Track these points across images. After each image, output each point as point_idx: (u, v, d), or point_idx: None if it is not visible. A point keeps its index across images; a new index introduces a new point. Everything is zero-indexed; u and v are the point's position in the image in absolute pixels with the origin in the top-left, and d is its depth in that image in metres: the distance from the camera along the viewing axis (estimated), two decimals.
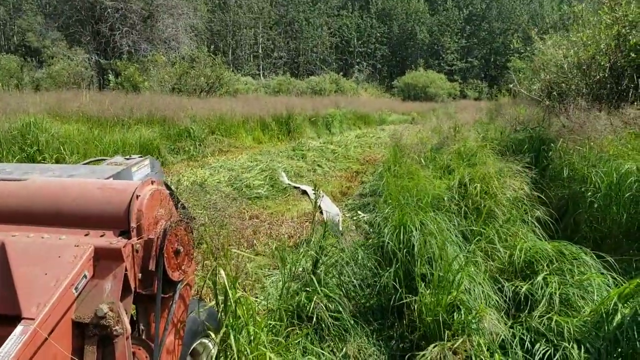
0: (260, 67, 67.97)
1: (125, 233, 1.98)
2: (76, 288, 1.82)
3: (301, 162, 11.78)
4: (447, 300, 3.17)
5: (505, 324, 3.21)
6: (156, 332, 2.05)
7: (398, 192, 4.77)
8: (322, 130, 21.05)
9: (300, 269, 4.34)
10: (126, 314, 1.91)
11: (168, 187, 3.08)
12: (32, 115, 9.79)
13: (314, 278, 3.59)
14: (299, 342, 3.43)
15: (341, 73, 54.61)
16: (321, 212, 7.28)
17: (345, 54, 75.89)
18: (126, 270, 1.91)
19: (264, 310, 3.67)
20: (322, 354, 3.31)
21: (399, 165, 6.83)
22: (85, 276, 1.86)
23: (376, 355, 3.44)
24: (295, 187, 9.07)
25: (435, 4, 78.94)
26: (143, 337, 2.08)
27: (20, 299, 1.71)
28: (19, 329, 1.64)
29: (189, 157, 12.24)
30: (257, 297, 4.03)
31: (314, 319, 3.57)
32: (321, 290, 3.59)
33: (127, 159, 2.91)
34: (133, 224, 1.97)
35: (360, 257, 4.25)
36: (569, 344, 2.80)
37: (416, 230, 3.74)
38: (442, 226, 3.93)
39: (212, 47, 44.30)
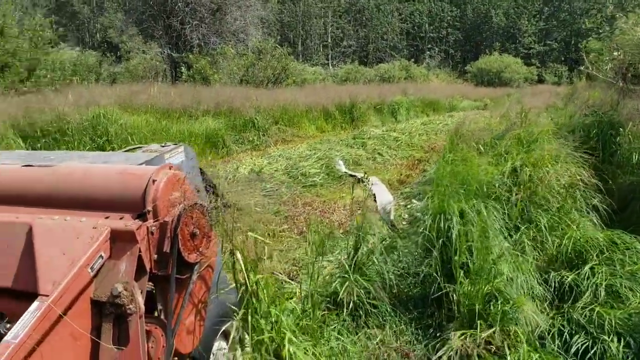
0: (329, 56, 67.99)
1: (142, 216, 2.06)
2: (92, 268, 1.91)
3: (361, 151, 11.72)
4: (483, 289, 3.07)
5: (547, 315, 3.07)
6: (169, 312, 2.13)
7: (446, 179, 4.65)
8: (388, 118, 20.82)
9: (345, 256, 4.35)
10: (141, 293, 1.99)
11: (203, 173, 3.17)
12: (103, 108, 10.30)
13: (346, 265, 3.57)
14: (334, 327, 3.44)
15: (412, 60, 53.68)
16: (374, 200, 7.23)
17: (416, 40, 74.46)
18: (140, 251, 1.99)
19: (299, 295, 3.69)
20: (357, 340, 3.31)
21: (455, 152, 6.65)
22: (101, 257, 1.95)
23: (413, 343, 3.39)
24: (351, 175, 9.05)
25: None
26: (161, 317, 2.15)
27: (39, 277, 1.83)
28: (34, 304, 1.75)
29: (253, 146, 12.48)
30: (298, 282, 4.07)
31: (351, 306, 3.57)
32: (354, 277, 3.57)
33: (162, 146, 3.01)
34: (149, 207, 2.05)
35: (399, 246, 4.19)
36: (608, 337, 2.63)
37: (456, 218, 3.63)
38: (484, 214, 3.79)
39: (281, 38, 44.80)
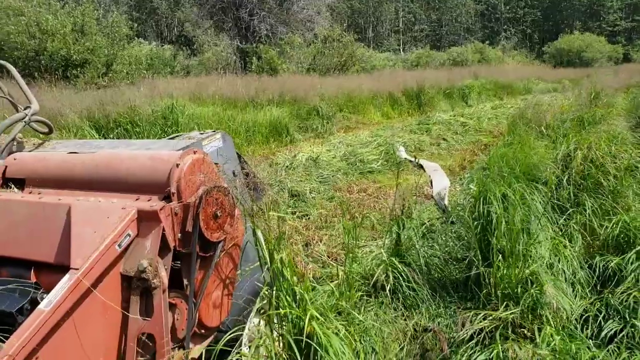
0: (401, 41, 67.04)
1: (167, 197, 2.21)
2: (119, 245, 2.08)
3: (424, 136, 11.59)
4: (516, 273, 3.02)
5: (585, 299, 2.98)
6: (192, 287, 2.27)
7: (496, 163, 4.56)
8: (458, 102, 20.34)
9: (389, 240, 4.38)
10: (165, 269, 2.15)
11: (240, 159, 3.31)
12: (174, 99, 10.79)
13: (382, 249, 3.61)
14: (371, 309, 3.51)
15: (486, 42, 51.95)
16: (431, 186, 7.17)
17: (491, 21, 71.93)
18: (164, 230, 2.14)
19: (334, 277, 3.76)
20: (392, 320, 3.35)
21: (514, 135, 6.46)
22: (129, 235, 2.12)
23: (450, 327, 3.39)
24: (410, 161, 8.98)
25: None
26: (187, 292, 2.30)
27: (72, 252, 2.02)
28: (66, 277, 1.95)
29: (316, 134, 12.62)
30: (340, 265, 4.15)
31: (388, 288, 3.62)
32: (391, 260, 3.60)
33: (201, 134, 3.17)
34: (173, 189, 2.20)
35: (438, 230, 4.18)
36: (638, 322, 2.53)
37: (496, 201, 3.57)
38: (527, 198, 3.70)
39: (351, 25, 44.63)
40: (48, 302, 1.87)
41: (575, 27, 60.71)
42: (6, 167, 2.74)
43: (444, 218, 5.40)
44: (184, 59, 28.58)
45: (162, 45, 30.29)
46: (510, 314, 2.84)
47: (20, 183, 2.69)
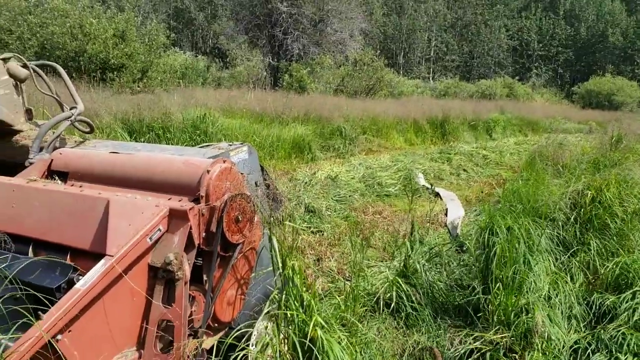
0: (431, 70, 67.38)
1: (196, 199, 2.46)
2: (150, 238, 2.33)
3: (445, 165, 11.75)
4: (512, 302, 3.19)
5: (580, 333, 3.13)
6: (211, 283, 2.49)
7: (508, 197, 4.73)
8: (482, 135, 20.45)
9: (397, 262, 4.57)
10: (188, 263, 2.38)
11: (263, 170, 3.55)
12: (205, 109, 11.16)
13: (386, 269, 3.79)
14: (374, 324, 3.69)
15: (516, 77, 51.97)
16: (446, 214, 7.33)
17: (523, 57, 71.89)
18: (191, 228, 2.38)
19: (342, 292, 3.95)
20: (393, 338, 3.53)
21: (530, 171, 6.62)
22: (159, 230, 2.36)
23: (447, 348, 3.55)
24: (427, 188, 9.15)
25: (633, 4, 71.10)
26: (206, 287, 2.53)
27: (108, 241, 2.27)
28: (101, 262, 2.19)
29: (338, 154, 12.87)
30: (348, 280, 4.34)
31: (392, 306, 3.80)
32: (397, 280, 3.79)
33: (229, 144, 3.42)
34: (202, 193, 2.44)
35: (447, 257, 4.36)
36: (624, 356, 2.68)
37: (502, 233, 3.74)
38: (532, 232, 3.86)
39: (382, 50, 45.08)
40: (84, 283, 2.11)
41: (608, 69, 60.32)
42: (52, 160, 3.03)
43: (454, 246, 5.56)
44: (216, 70, 29.21)
45: (197, 56, 31.01)
46: (501, 337, 3.00)
47: (64, 176, 2.97)
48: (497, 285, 3.42)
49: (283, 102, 14.96)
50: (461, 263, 4.73)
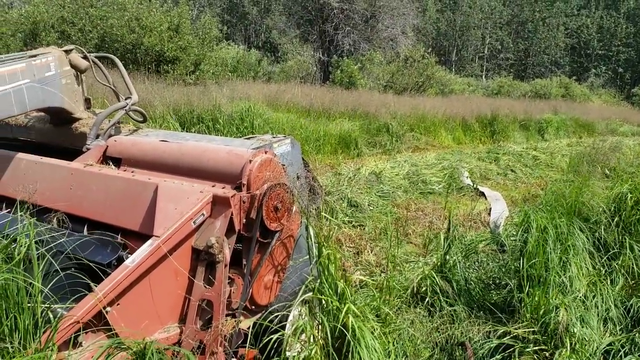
0: (484, 68, 65.97)
1: (238, 187, 2.60)
2: (194, 222, 2.48)
3: (492, 165, 11.58)
4: (544, 301, 3.19)
5: (615, 336, 3.11)
6: (249, 267, 2.63)
7: (549, 198, 4.68)
8: (534, 135, 19.96)
9: (435, 258, 4.61)
10: (229, 247, 2.52)
11: (305, 164, 3.67)
12: (253, 102, 11.40)
13: (421, 263, 3.84)
14: (408, 316, 3.76)
15: (573, 77, 50.23)
16: (489, 214, 7.28)
17: (581, 57, 69.40)
18: (232, 215, 2.52)
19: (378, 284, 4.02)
20: (426, 331, 3.59)
21: (576, 173, 6.48)
22: (203, 214, 2.52)
23: (479, 344, 3.58)
24: (473, 188, 9.07)
25: None
26: (244, 270, 2.67)
27: (155, 223, 2.43)
28: (148, 242, 2.36)
29: (384, 151, 12.87)
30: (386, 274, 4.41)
31: (427, 300, 3.85)
32: (433, 274, 3.84)
33: (273, 137, 3.55)
34: (243, 181, 2.58)
35: (486, 256, 4.37)
36: None
37: (537, 233, 3.73)
38: (567, 233, 3.82)
39: (435, 47, 44.52)
40: (132, 260, 2.28)
41: None
42: (107, 147, 3.24)
43: (493, 244, 5.53)
44: (267, 64, 29.58)
45: (249, 50, 31.48)
46: (530, 333, 3.02)
47: (117, 162, 3.18)
48: (530, 283, 3.43)
49: (330, 97, 15.07)
50: (500, 262, 4.72)
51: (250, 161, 2.62)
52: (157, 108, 9.59)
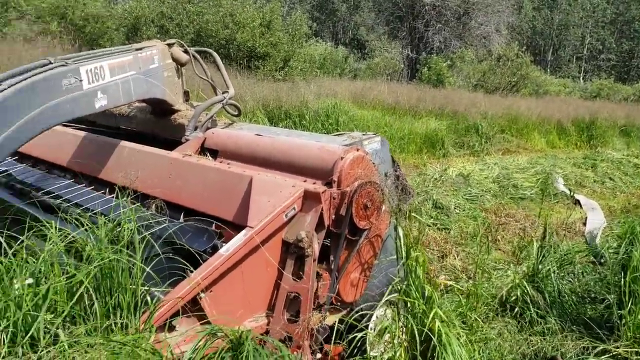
0: (582, 69, 62.41)
1: (329, 184, 2.61)
2: (286, 215, 2.52)
3: (589, 172, 10.92)
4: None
5: None
6: (337, 263, 2.63)
7: None
8: (636, 142, 18.62)
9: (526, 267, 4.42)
10: (318, 242, 2.54)
11: (394, 163, 3.62)
12: (338, 99, 11.45)
13: (512, 273, 3.69)
14: (496, 325, 3.63)
15: None
16: (584, 224, 6.88)
17: None
18: (322, 210, 2.53)
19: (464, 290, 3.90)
20: (515, 342, 3.44)
21: None
22: (294, 208, 2.55)
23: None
24: (567, 195, 8.60)
25: None
26: (332, 266, 2.68)
27: (249, 215, 2.49)
28: (242, 232, 2.41)
29: (472, 152, 12.50)
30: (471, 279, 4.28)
31: (516, 310, 3.70)
32: (524, 284, 3.67)
33: (363, 134, 3.53)
34: (334, 178, 2.59)
35: (581, 268, 4.12)
36: None
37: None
38: None
39: (530, 46, 42.66)
40: (226, 249, 2.34)
41: None
42: (205, 139, 3.36)
43: (592, 257, 5.22)
44: (354, 61, 29.62)
45: (336, 47, 31.66)
46: (634, 352, 2.81)
47: (214, 153, 3.29)
48: (633, 299, 3.19)
49: (417, 95, 14.85)
50: (597, 275, 4.44)
51: (342, 158, 2.62)
52: (247, 103, 9.87)
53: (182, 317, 2.21)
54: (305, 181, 2.69)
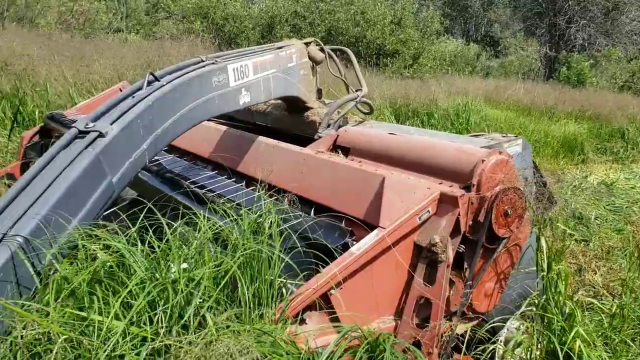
0: None
1: (467, 187, 2.50)
2: (420, 218, 2.45)
3: None
4: None
5: None
6: (471, 272, 2.51)
7: None
8: None
9: None
10: (452, 248, 2.44)
11: (536, 168, 3.41)
12: (470, 98, 11.06)
13: None
14: None
15: None
16: None
17: None
18: (459, 215, 2.43)
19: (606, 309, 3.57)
20: None
21: None
22: (428, 211, 2.47)
23: None
24: None
25: None
26: (465, 274, 2.56)
27: (381, 215, 2.46)
28: (373, 232, 2.39)
29: (615, 159, 11.47)
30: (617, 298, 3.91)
31: None
32: None
33: (503, 136, 3.35)
34: (474, 181, 2.47)
35: None
36: None
37: None
38: None
39: None
40: (358, 248, 2.33)
41: None
42: (337, 136, 3.39)
43: None
44: (485, 59, 28.51)
45: (467, 44, 30.62)
46: None
47: (346, 151, 3.30)
48: None
49: (555, 96, 13.91)
50: None
51: (483, 161, 2.50)
52: (375, 100, 9.86)
53: (312, 312, 2.23)
54: (440, 183, 2.60)
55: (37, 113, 6.29)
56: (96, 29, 16.36)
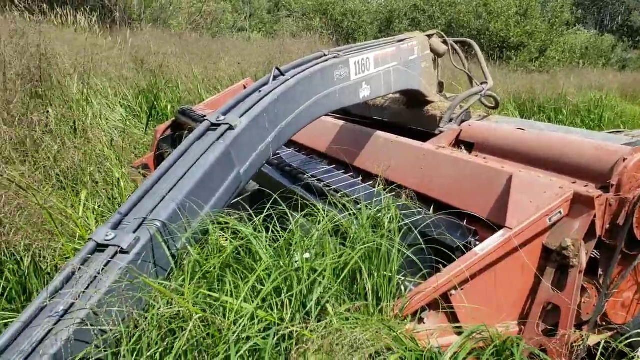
0: None
1: (604, 187, 2.30)
2: (550, 219, 2.29)
3: None
4: None
5: None
6: (607, 279, 2.31)
7: None
8: None
9: None
10: (586, 253, 2.25)
11: None
12: (605, 93, 10.21)
13: None
14: None
15: None
16: None
17: None
18: (595, 217, 2.24)
19: None
20: None
21: None
22: (560, 212, 2.31)
23: None
24: None
25: None
26: (600, 280, 2.36)
27: (508, 214, 2.33)
28: (499, 232, 2.27)
29: None
30: None
31: None
32: None
33: None
34: (613, 181, 2.27)
35: None
36: None
37: None
38: None
39: None
40: (482, 248, 2.22)
41: None
42: (460, 131, 3.27)
43: None
44: (621, 50, 26.19)
45: (601, 35, 28.26)
46: None
47: (469, 147, 3.17)
48: None
49: None
50: None
51: (625, 159, 2.28)
52: (498, 95, 9.41)
53: (430, 311, 2.17)
54: (574, 183, 2.41)
55: (169, 108, 6.75)
56: (222, 28, 17.25)
